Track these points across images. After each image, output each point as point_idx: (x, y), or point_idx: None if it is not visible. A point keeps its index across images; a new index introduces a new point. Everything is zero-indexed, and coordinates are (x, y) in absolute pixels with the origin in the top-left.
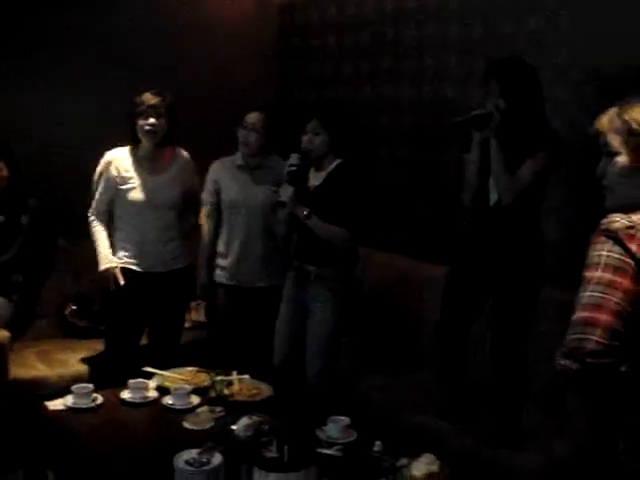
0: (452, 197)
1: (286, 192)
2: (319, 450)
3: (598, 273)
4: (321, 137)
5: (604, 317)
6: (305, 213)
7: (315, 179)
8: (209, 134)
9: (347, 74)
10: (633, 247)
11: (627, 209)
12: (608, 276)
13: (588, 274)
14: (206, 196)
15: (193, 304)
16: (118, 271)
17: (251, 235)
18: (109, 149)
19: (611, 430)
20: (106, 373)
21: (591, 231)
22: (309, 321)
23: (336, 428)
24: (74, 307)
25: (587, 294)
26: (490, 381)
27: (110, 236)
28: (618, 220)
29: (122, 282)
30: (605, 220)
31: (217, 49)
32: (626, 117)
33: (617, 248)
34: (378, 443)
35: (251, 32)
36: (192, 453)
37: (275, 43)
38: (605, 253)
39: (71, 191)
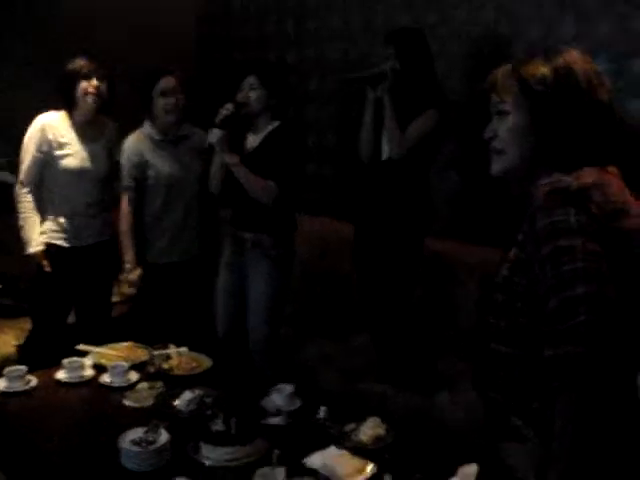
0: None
1: (214, 137)
2: (265, 420)
3: (578, 240)
4: (257, 92)
5: (611, 291)
6: (233, 160)
7: (253, 141)
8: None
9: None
10: (595, 210)
11: (517, 173)
12: (589, 244)
13: (565, 242)
14: (127, 181)
15: (121, 277)
16: (42, 256)
17: (188, 211)
18: (29, 114)
19: None
20: (36, 353)
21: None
22: (249, 289)
23: (280, 397)
24: None
25: (581, 265)
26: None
27: (37, 208)
28: (571, 181)
29: (48, 269)
30: (547, 182)
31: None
32: (522, 73)
33: (582, 212)
34: (323, 409)
35: None
36: (137, 432)
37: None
38: (574, 218)
39: None
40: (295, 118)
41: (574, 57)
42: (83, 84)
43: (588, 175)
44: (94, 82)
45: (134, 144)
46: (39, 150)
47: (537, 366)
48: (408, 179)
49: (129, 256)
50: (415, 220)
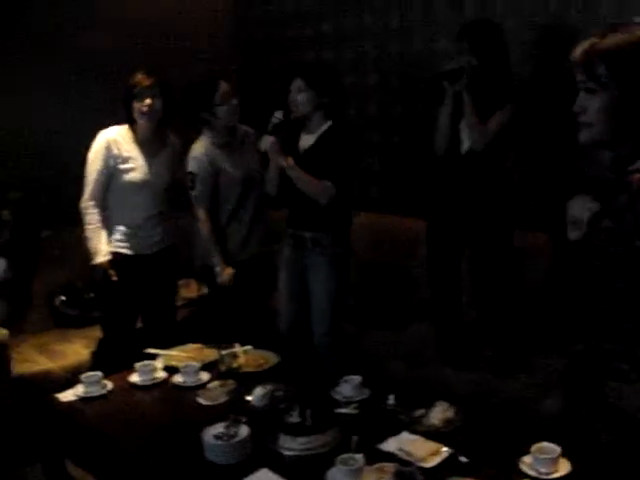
0: (423, 149)
1: (266, 143)
2: (337, 410)
3: None
4: (304, 95)
5: None
6: (288, 163)
7: (306, 141)
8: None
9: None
10: None
11: (605, 145)
12: None
13: None
14: (201, 190)
15: (182, 282)
16: (110, 266)
17: (258, 210)
18: (86, 133)
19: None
20: (108, 359)
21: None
22: (311, 287)
23: (350, 387)
24: (63, 297)
25: None
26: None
27: (103, 220)
28: None
29: (115, 278)
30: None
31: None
32: (603, 49)
33: None
34: (392, 397)
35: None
36: (218, 427)
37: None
38: None
39: (50, 179)
40: (349, 116)
41: None
42: (136, 104)
43: None
44: (147, 101)
45: (202, 153)
46: (105, 165)
47: None
48: (491, 171)
49: (217, 259)
50: (504, 211)
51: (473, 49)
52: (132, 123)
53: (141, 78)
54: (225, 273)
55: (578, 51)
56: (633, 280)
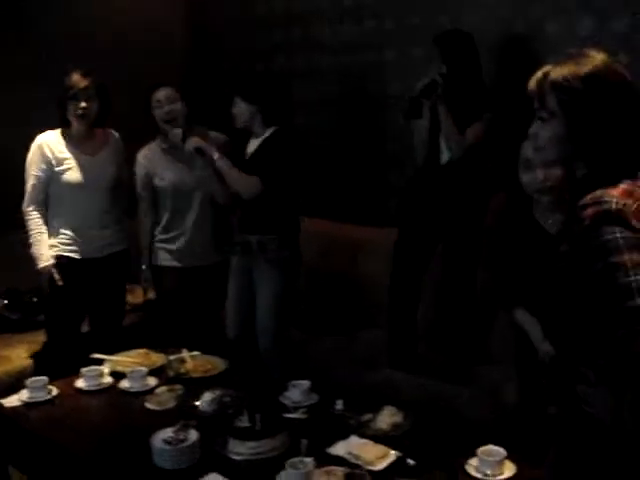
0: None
1: (193, 141)
2: (286, 415)
3: (635, 256)
4: (238, 106)
5: None
6: (217, 155)
7: (251, 146)
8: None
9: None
10: (635, 224)
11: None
12: (636, 257)
13: (619, 259)
14: (140, 190)
15: (129, 287)
16: (54, 270)
17: (202, 215)
18: (26, 134)
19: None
20: (52, 364)
21: None
22: (257, 292)
23: (298, 392)
24: (5, 301)
25: (633, 279)
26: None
27: (45, 224)
28: (610, 201)
29: (60, 283)
30: (589, 202)
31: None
32: (554, 80)
33: (627, 229)
34: (340, 402)
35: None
36: (167, 432)
37: (186, 16)
38: (619, 235)
39: None
40: (290, 122)
41: (602, 59)
42: (72, 106)
43: (622, 190)
44: (82, 104)
45: (142, 156)
46: (39, 169)
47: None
48: (470, 181)
49: (144, 259)
50: (477, 219)
51: (444, 56)
52: (66, 124)
53: (77, 79)
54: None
55: (532, 80)
56: (589, 300)
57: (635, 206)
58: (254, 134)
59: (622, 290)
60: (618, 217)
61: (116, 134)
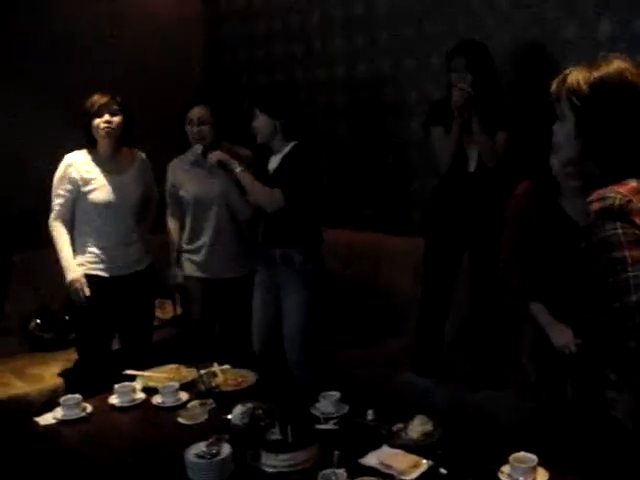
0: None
1: (214, 154)
2: (317, 426)
3: (634, 252)
4: (259, 120)
5: None
6: (238, 169)
7: (273, 163)
8: (151, 135)
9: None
10: (638, 221)
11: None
12: (636, 253)
13: (618, 254)
14: (167, 198)
15: (158, 302)
16: (84, 281)
17: (219, 228)
18: (57, 156)
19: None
20: (84, 382)
21: None
22: (283, 305)
23: (329, 403)
24: (38, 321)
25: (632, 274)
26: (467, 334)
27: (72, 243)
28: (614, 197)
29: (87, 293)
30: (595, 199)
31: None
32: (567, 82)
33: (627, 225)
34: (370, 412)
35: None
36: (200, 446)
37: (203, 34)
38: (621, 231)
39: (19, 203)
40: (309, 135)
41: (617, 66)
42: (96, 121)
43: (630, 187)
44: (105, 117)
45: (172, 165)
46: (65, 189)
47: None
48: (500, 188)
49: (172, 267)
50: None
51: (470, 66)
52: (92, 143)
53: (97, 97)
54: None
55: (554, 83)
56: (601, 294)
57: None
58: (274, 149)
59: (620, 286)
60: (620, 213)
61: (143, 154)
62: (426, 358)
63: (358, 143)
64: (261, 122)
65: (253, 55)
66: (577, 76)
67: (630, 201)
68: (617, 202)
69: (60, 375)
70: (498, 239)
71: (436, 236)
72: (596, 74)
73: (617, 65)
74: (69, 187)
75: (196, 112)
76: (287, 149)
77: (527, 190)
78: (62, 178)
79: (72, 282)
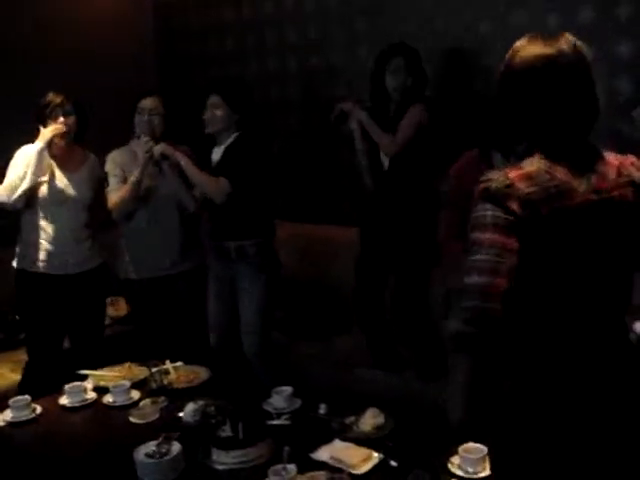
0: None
1: (160, 147)
2: (269, 422)
3: (488, 235)
4: (221, 111)
5: (502, 282)
6: (185, 160)
7: (216, 154)
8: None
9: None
10: (513, 206)
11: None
12: (498, 238)
13: (478, 235)
14: (114, 180)
15: (109, 300)
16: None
17: (169, 225)
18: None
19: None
20: (35, 382)
21: None
22: (239, 298)
23: (281, 398)
24: None
25: (481, 257)
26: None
27: (22, 241)
28: (495, 179)
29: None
30: (483, 179)
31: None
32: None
33: (499, 209)
34: (323, 406)
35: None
36: (150, 446)
37: (152, 25)
38: (490, 214)
39: None
40: (255, 126)
41: (521, 44)
42: (50, 123)
43: (522, 173)
44: (60, 120)
45: (114, 155)
46: (37, 169)
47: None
48: (414, 186)
49: None
50: (429, 227)
51: (409, 68)
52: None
53: (52, 97)
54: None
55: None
56: None
57: (531, 190)
58: (219, 141)
59: (468, 265)
60: (495, 196)
61: (92, 155)
62: (379, 351)
63: (310, 136)
64: (221, 114)
65: (205, 47)
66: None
67: (510, 185)
68: (494, 185)
69: (11, 376)
70: (417, 242)
71: (367, 245)
72: (510, 53)
73: (519, 44)
74: (40, 169)
75: (148, 102)
76: (230, 140)
77: (471, 161)
78: (17, 163)
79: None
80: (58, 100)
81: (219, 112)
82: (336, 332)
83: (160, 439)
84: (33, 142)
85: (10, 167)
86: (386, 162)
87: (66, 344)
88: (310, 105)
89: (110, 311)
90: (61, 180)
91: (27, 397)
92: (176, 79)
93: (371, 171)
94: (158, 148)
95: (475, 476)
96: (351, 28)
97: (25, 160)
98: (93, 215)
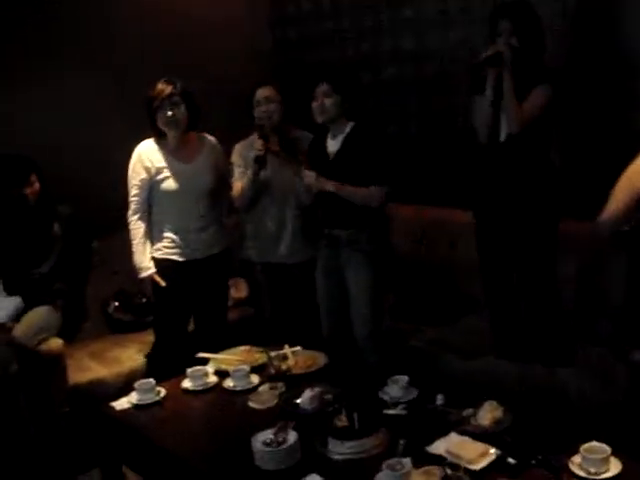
0: (462, 139)
1: (310, 178)
2: (385, 411)
3: None
4: (332, 99)
5: None
6: (337, 188)
7: (333, 146)
8: (217, 120)
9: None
10: None
11: None
12: None
13: None
14: (238, 171)
15: (232, 282)
16: (156, 275)
17: (284, 215)
18: (127, 142)
19: None
20: (161, 363)
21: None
22: (349, 287)
23: (397, 387)
24: (116, 304)
25: None
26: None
27: (150, 229)
28: None
29: (163, 284)
30: None
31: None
32: None
33: None
34: (440, 397)
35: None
36: (267, 433)
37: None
38: None
39: (96, 190)
40: (370, 114)
41: None
42: (160, 114)
43: None
44: (169, 112)
45: (239, 147)
46: (141, 178)
47: None
48: (531, 158)
49: None
50: (548, 200)
51: (514, 28)
52: (159, 134)
53: (160, 88)
54: None
55: None
56: None
57: None
58: (333, 131)
59: None
60: None
61: (212, 138)
62: (503, 339)
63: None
64: (333, 102)
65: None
66: None
67: None
68: None
69: (138, 357)
70: (536, 217)
71: (482, 210)
72: None
73: None
74: (144, 176)
75: (262, 92)
76: (347, 130)
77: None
78: (136, 168)
79: (142, 281)
80: (166, 91)
81: (329, 101)
82: (455, 319)
83: (277, 427)
84: (147, 136)
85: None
86: (503, 133)
87: (191, 327)
88: (425, 85)
89: (232, 292)
90: (178, 173)
91: (152, 380)
92: (290, 66)
93: (490, 130)
94: (307, 178)
95: (597, 477)
96: None
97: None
98: (217, 201)
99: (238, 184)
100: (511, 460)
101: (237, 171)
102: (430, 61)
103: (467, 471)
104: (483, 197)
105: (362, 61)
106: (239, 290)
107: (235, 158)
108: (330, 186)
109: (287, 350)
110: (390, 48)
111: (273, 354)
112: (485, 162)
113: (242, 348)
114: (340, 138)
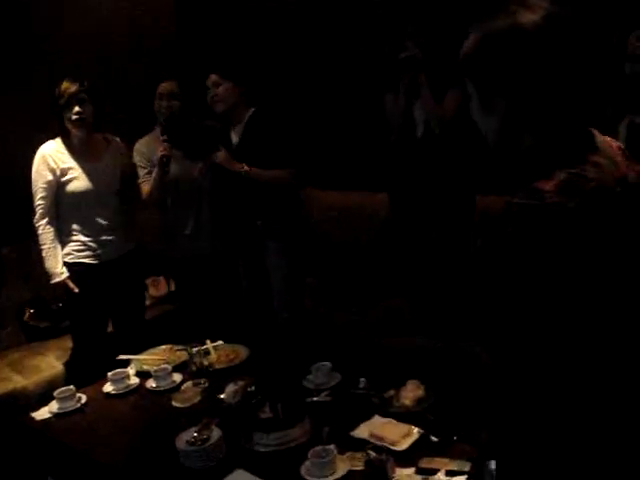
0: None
1: (219, 157)
2: (309, 399)
3: None
4: (222, 87)
5: None
6: (246, 169)
7: (235, 135)
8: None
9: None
10: None
11: None
12: None
13: None
14: (142, 172)
15: (149, 280)
16: (68, 281)
17: (199, 210)
18: (34, 147)
19: None
20: (82, 368)
21: None
22: (270, 272)
23: (321, 374)
24: (32, 311)
25: None
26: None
27: (58, 233)
28: None
29: (76, 290)
30: None
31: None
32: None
33: None
34: (362, 380)
35: None
36: (191, 432)
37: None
38: None
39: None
40: (271, 98)
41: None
42: (66, 113)
43: None
44: (75, 109)
45: (141, 143)
46: (47, 181)
47: None
48: (449, 153)
49: None
50: (465, 197)
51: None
52: (65, 133)
53: (66, 86)
54: None
55: None
56: None
57: None
58: (234, 120)
59: None
60: None
61: (116, 138)
62: (423, 317)
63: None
64: (224, 89)
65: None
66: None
67: None
68: None
69: (58, 364)
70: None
71: (398, 201)
72: None
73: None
74: (49, 177)
75: (165, 87)
76: (246, 118)
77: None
78: (40, 170)
79: (55, 286)
80: (72, 89)
81: (220, 89)
82: (376, 301)
83: (200, 425)
84: (52, 137)
85: None
86: (420, 129)
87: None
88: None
89: (151, 291)
90: (85, 173)
91: (72, 387)
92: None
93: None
94: (218, 157)
95: None
96: None
97: None
98: (125, 199)
99: (145, 187)
100: (434, 438)
101: (141, 172)
102: None
103: (391, 452)
104: (400, 183)
105: None
106: (158, 288)
107: (138, 159)
108: (239, 168)
109: (209, 345)
110: None
111: (194, 350)
112: (399, 156)
113: (163, 347)
114: (239, 128)
